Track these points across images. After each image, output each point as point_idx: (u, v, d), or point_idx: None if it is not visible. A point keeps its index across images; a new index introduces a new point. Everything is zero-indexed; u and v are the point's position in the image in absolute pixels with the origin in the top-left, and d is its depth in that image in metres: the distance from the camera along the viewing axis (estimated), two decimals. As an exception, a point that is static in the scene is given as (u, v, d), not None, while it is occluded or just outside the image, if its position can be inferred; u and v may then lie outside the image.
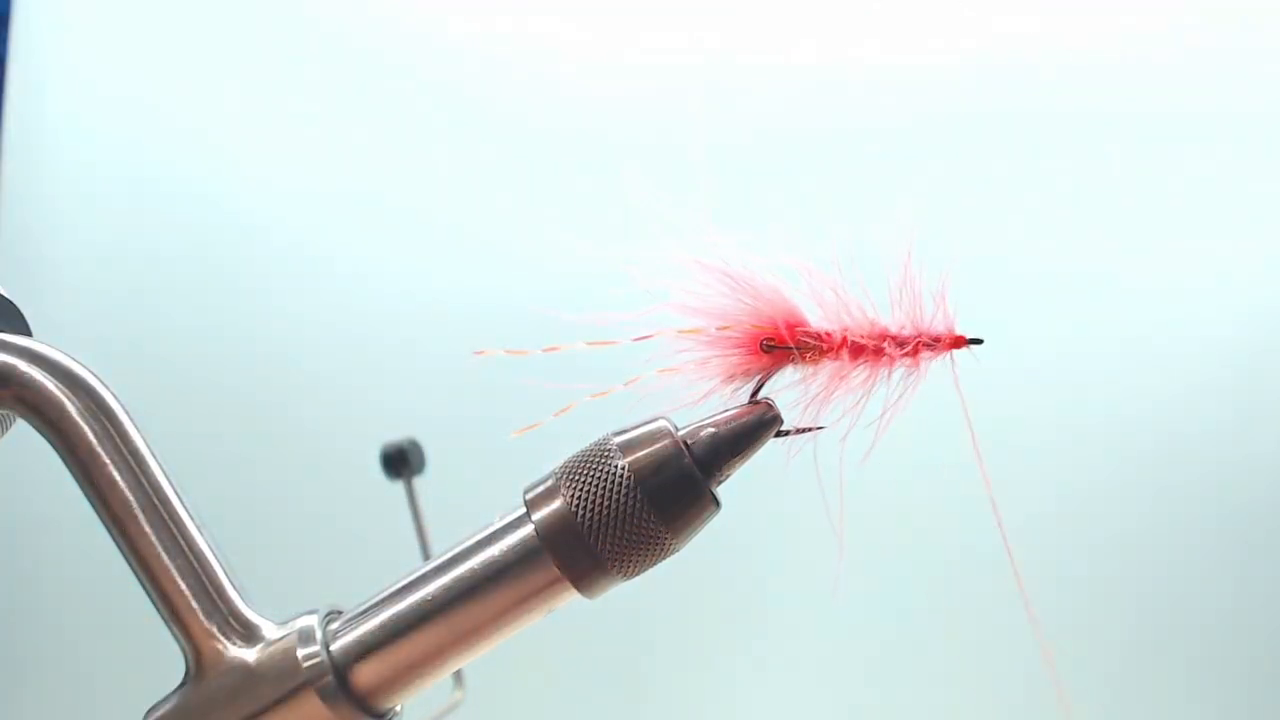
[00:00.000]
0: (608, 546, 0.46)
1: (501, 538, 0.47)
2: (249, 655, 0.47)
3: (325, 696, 0.46)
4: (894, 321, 0.48)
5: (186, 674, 0.48)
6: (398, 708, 0.49)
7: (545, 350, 0.52)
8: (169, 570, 0.48)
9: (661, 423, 0.48)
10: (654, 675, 1.87)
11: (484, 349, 0.56)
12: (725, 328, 0.48)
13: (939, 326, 0.47)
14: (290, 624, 0.49)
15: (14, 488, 1.99)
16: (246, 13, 2.08)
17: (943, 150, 1.76)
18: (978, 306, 0.51)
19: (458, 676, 1.44)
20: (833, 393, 0.48)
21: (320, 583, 1.86)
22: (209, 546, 0.50)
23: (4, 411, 0.51)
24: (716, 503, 0.47)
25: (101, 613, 1.93)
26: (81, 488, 0.49)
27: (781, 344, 0.48)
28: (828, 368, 0.48)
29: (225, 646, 0.47)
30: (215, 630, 0.48)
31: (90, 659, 2.01)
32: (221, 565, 0.49)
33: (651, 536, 0.46)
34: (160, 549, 0.48)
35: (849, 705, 1.79)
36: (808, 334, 0.48)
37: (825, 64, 1.84)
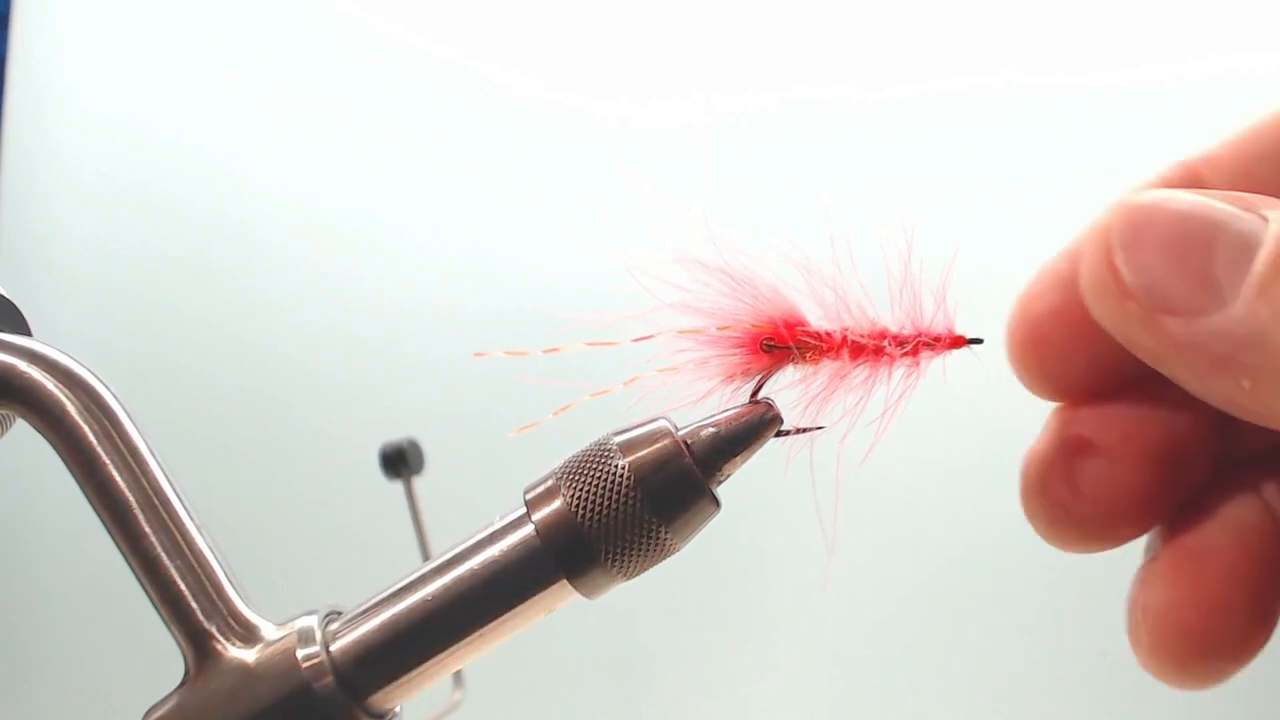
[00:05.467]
0: (608, 546, 0.46)
1: (501, 538, 0.47)
2: (248, 655, 0.47)
3: (325, 697, 0.46)
4: (894, 321, 0.48)
5: (186, 674, 0.48)
6: (397, 709, 0.49)
7: (545, 352, 0.52)
8: (168, 570, 0.48)
9: (662, 423, 0.47)
10: (654, 675, 1.87)
11: (483, 351, 0.56)
12: (725, 327, 0.48)
13: (939, 326, 0.47)
14: (290, 624, 0.48)
15: (14, 488, 1.99)
16: (247, 13, 2.08)
17: (944, 149, 1.76)
18: (976, 306, 0.51)
19: (457, 676, 1.44)
20: (833, 393, 0.48)
21: (320, 583, 1.86)
22: (208, 546, 0.49)
23: (4, 412, 0.51)
24: (716, 503, 0.47)
25: (102, 613, 1.93)
26: (81, 487, 0.49)
27: (781, 343, 0.48)
28: (827, 368, 0.48)
29: (224, 646, 0.47)
30: (214, 630, 0.48)
31: (91, 659, 2.01)
32: (221, 565, 0.49)
33: (651, 536, 0.46)
34: (159, 548, 0.48)
35: (849, 705, 1.79)
36: (807, 334, 0.48)
37: (827, 62, 1.84)
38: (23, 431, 0.52)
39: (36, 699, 2.04)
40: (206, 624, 0.48)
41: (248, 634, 0.48)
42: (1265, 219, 0.37)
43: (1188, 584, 0.41)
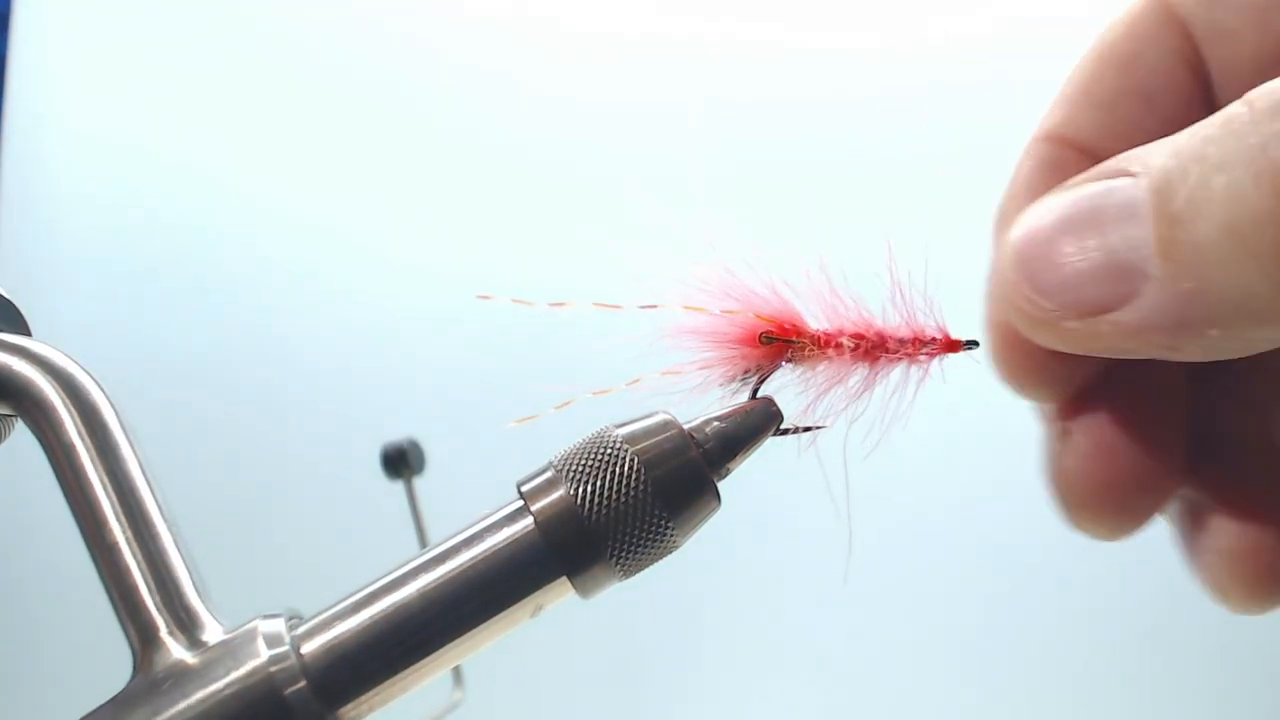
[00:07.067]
0: (613, 539, 0.43)
1: (495, 531, 0.44)
2: (206, 657, 0.43)
3: (294, 703, 0.42)
4: (890, 323, 0.48)
5: (133, 675, 0.45)
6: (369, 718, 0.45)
7: (551, 305, 0.51)
8: (129, 567, 0.46)
9: (665, 415, 0.46)
10: (654, 675, 1.87)
11: (487, 294, 0.56)
12: (730, 311, 0.47)
13: (935, 329, 0.47)
14: (251, 625, 0.44)
15: (16, 490, 1.99)
16: (247, 16, 2.09)
17: (946, 147, 1.76)
18: (974, 305, 0.51)
19: (458, 676, 1.44)
20: (830, 392, 0.48)
21: (319, 583, 1.86)
22: (176, 547, 0.47)
23: (4, 413, 0.51)
24: (719, 498, 0.46)
25: (104, 614, 1.92)
26: (57, 478, 0.47)
27: (781, 336, 0.48)
28: (825, 367, 0.48)
29: (177, 645, 0.44)
30: (170, 630, 0.44)
31: (92, 661, 2.01)
32: (187, 566, 0.47)
33: (658, 531, 0.44)
34: (124, 547, 0.46)
35: (850, 705, 1.79)
36: (806, 333, 0.48)
37: (828, 62, 1.84)
38: (25, 434, 0.52)
39: (38, 701, 2.04)
40: (160, 622, 0.44)
41: (206, 635, 0.44)
42: (1133, 174, 0.35)
43: (1106, 455, 0.42)
